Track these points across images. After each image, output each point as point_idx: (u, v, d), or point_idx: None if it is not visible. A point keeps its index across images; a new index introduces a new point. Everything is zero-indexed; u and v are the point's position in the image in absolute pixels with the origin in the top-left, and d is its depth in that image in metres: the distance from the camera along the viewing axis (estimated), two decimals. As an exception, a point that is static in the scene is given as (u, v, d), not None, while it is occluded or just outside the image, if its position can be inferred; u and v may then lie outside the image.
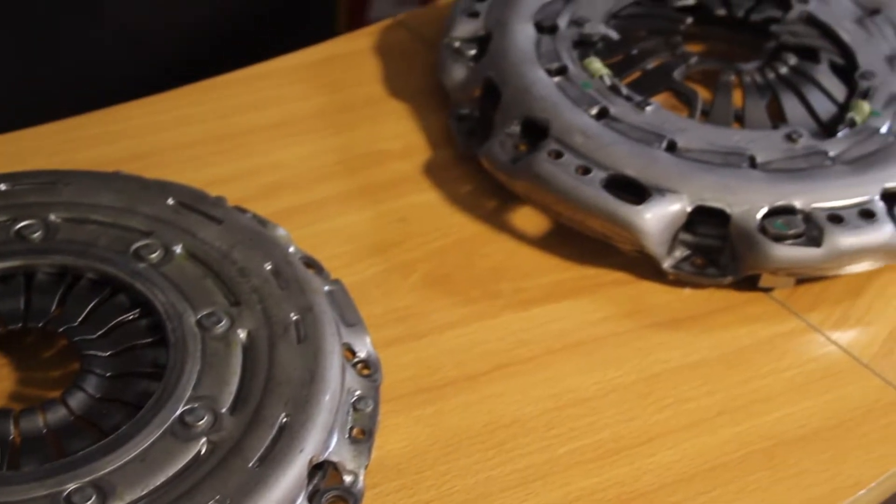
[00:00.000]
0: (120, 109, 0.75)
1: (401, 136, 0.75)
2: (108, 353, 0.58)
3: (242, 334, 0.58)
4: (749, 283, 0.68)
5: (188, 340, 0.57)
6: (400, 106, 0.77)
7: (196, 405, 0.55)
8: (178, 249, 0.61)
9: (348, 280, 0.64)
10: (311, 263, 0.64)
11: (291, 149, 0.73)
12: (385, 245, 0.69)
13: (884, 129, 0.73)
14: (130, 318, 0.59)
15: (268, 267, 0.61)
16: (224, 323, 0.58)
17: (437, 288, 0.67)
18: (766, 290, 0.69)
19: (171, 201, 0.63)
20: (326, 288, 0.62)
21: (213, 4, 1.34)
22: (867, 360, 0.66)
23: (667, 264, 0.67)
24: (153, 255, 0.61)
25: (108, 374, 0.57)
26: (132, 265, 0.60)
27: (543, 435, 0.60)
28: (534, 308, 0.66)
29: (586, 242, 0.69)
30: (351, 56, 0.80)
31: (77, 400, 0.56)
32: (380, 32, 0.82)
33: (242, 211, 0.65)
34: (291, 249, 0.63)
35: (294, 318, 0.59)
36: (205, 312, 0.58)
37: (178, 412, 0.54)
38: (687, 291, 0.68)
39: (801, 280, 0.69)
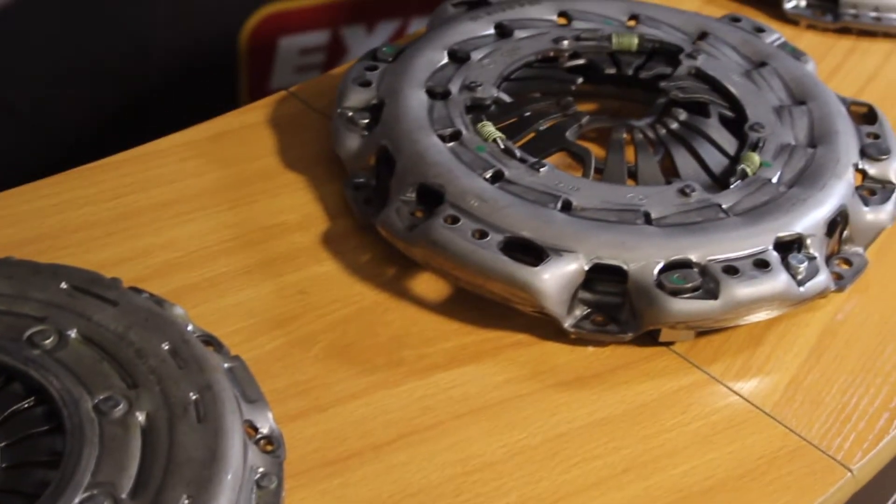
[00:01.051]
0: (8, 195, 0.74)
1: (298, 207, 0.75)
2: (2, 444, 0.56)
3: (141, 417, 0.57)
4: (650, 338, 0.69)
5: (85, 426, 0.56)
6: (296, 178, 0.77)
7: (95, 492, 0.54)
8: (73, 334, 0.60)
9: (249, 355, 0.63)
10: (210, 341, 0.63)
11: (187, 226, 0.73)
12: (285, 318, 0.68)
13: (774, 180, 0.74)
14: (25, 406, 0.58)
15: (165, 347, 0.60)
16: (122, 406, 0.57)
17: (339, 359, 0.66)
18: (668, 344, 0.69)
19: (64, 285, 0.63)
20: (226, 365, 0.62)
21: (109, 83, 1.33)
22: (769, 409, 0.66)
23: (567, 324, 0.68)
24: (47, 341, 0.60)
25: (3, 465, 0.56)
26: (26, 352, 0.59)
27: (451, 502, 0.60)
28: (437, 374, 0.66)
29: (487, 305, 0.69)
30: (244, 130, 0.80)
31: (-28, 493, 0.54)
32: (273, 105, 0.82)
33: (138, 291, 0.64)
34: (189, 328, 0.63)
35: (193, 397, 0.58)
36: (102, 397, 0.57)
37: (77, 500, 0.53)
38: (589, 349, 0.69)
39: (702, 332, 0.69)
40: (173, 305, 0.64)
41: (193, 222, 0.73)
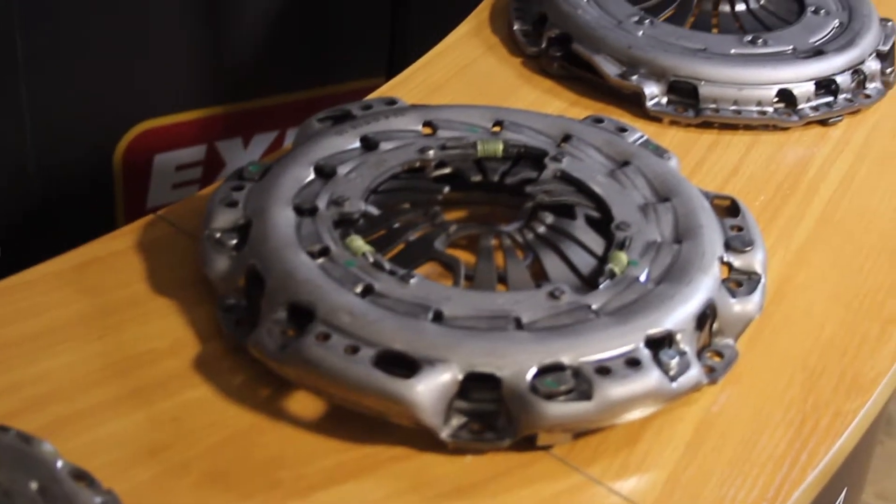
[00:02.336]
0: None
1: (168, 333, 0.74)
2: None
3: (9, 561, 0.56)
4: (528, 443, 0.69)
5: (-50, 575, 0.55)
6: (166, 302, 0.76)
7: None
8: (-64, 479, 0.59)
9: (122, 487, 0.62)
10: (81, 476, 0.62)
11: (55, 358, 0.72)
12: (159, 447, 0.67)
13: (642, 278, 0.75)
14: None
15: (34, 486, 0.59)
16: (-12, 551, 0.56)
17: (216, 485, 0.65)
18: (546, 447, 0.69)
19: (-75, 428, 0.61)
20: (98, 500, 0.60)
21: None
22: (649, 507, 0.67)
23: (444, 434, 0.68)
24: None
25: None
26: None
27: None
28: (316, 494, 0.65)
29: (364, 420, 0.69)
30: (113, 257, 0.79)
31: None
32: (141, 229, 0.82)
33: (4, 429, 0.62)
34: (59, 464, 0.61)
35: (64, 536, 0.57)
36: (-33, 542, 0.56)
37: None
38: (468, 459, 0.68)
39: (579, 434, 0.70)
40: (42, 442, 0.62)
41: (62, 354, 0.72)
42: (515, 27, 1.08)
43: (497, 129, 0.87)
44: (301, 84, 1.84)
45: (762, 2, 1.10)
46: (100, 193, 1.76)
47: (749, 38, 1.03)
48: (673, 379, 0.70)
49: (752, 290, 0.77)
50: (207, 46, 1.74)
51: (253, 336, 0.71)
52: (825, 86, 1.01)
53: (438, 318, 0.70)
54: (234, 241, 0.76)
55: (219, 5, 1.73)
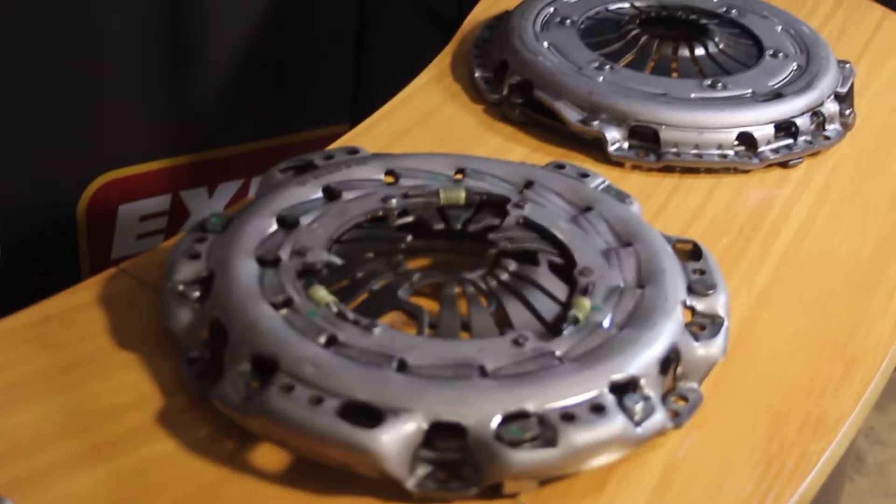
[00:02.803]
0: None
1: (131, 387, 0.74)
2: None
3: None
4: (494, 492, 0.68)
5: None
6: (128, 356, 0.76)
7: None
8: None
9: (86, 546, 0.62)
10: (43, 534, 0.61)
11: (15, 415, 0.71)
12: (122, 503, 0.67)
13: (606, 323, 0.75)
14: None
15: (-6, 545, 0.58)
16: None
17: (180, 540, 0.65)
18: (513, 495, 0.69)
19: None
20: (61, 558, 0.60)
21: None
22: (617, 554, 0.66)
23: (410, 484, 0.67)
24: None
25: None
26: None
27: None
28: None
29: (330, 471, 0.68)
30: (74, 311, 0.79)
31: None
32: (103, 283, 0.81)
33: (-35, 488, 0.62)
34: (21, 522, 0.61)
35: None
36: None
37: None
38: (434, 508, 0.68)
39: (545, 481, 0.70)
40: (3, 499, 0.62)
41: (23, 411, 0.71)
42: (477, 74, 1.08)
43: (459, 176, 0.88)
44: (265, 132, 1.85)
45: (721, 46, 1.11)
46: (64, 245, 1.75)
47: (709, 81, 1.04)
48: (638, 424, 0.70)
49: (715, 334, 0.77)
50: (170, 96, 1.74)
51: (217, 388, 0.70)
52: (785, 128, 1.02)
53: (403, 367, 0.70)
54: (197, 294, 0.76)
55: (182, 55, 1.73)
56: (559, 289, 0.79)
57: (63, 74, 1.63)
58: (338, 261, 0.79)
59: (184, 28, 1.71)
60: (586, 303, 0.76)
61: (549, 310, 0.77)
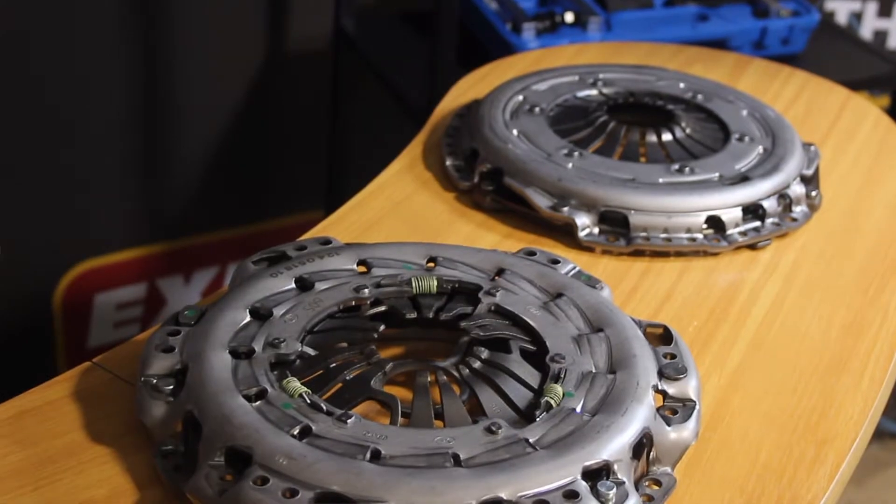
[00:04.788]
0: None
1: (105, 481, 0.74)
2: None
3: None
4: (470, 581, 0.69)
5: None
6: (102, 451, 0.76)
7: None
8: None
9: None
10: None
11: (-12, 513, 0.71)
12: None
13: (578, 409, 0.76)
14: None
15: None
16: None
17: None
18: (487, 585, 0.69)
19: None
20: None
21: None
22: None
23: (385, 576, 0.67)
24: None
25: None
26: None
27: None
28: None
29: (305, 564, 0.68)
30: (47, 406, 0.79)
31: None
32: (77, 377, 0.81)
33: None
34: None
35: None
36: None
37: None
38: None
39: (520, 570, 0.70)
40: None
41: (-4, 508, 0.71)
42: (448, 162, 1.09)
43: (431, 265, 0.89)
44: (241, 220, 1.86)
45: (688, 131, 1.12)
46: (39, 335, 1.75)
47: (676, 166, 1.06)
48: (611, 510, 0.70)
49: (687, 417, 0.78)
50: (146, 185, 1.75)
51: (191, 482, 0.71)
52: (752, 211, 1.03)
53: (376, 457, 0.70)
54: (171, 387, 0.76)
55: (157, 144, 1.75)
56: (531, 375, 0.79)
57: (38, 163, 1.64)
58: (311, 351, 0.79)
59: (158, 118, 1.72)
60: (558, 389, 0.77)
61: (521, 397, 0.78)
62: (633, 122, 1.14)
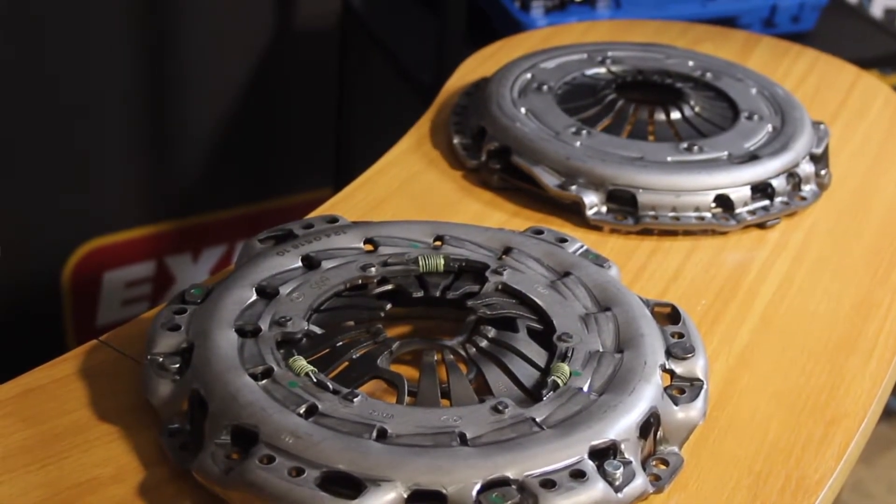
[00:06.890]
0: None
1: (112, 460, 0.74)
2: None
3: None
4: (476, 560, 0.68)
5: None
6: (109, 429, 0.76)
7: None
8: None
9: None
10: None
11: (-5, 491, 0.71)
12: (101, 578, 0.67)
13: (585, 388, 0.75)
14: None
15: None
16: None
17: None
18: (493, 563, 0.69)
19: None
20: None
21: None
22: None
23: (397, 553, 0.67)
24: None
25: None
26: None
27: None
28: None
29: (311, 542, 0.68)
30: (54, 384, 0.79)
31: None
32: (84, 355, 0.81)
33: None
34: None
35: None
36: None
37: None
38: (416, 578, 0.68)
39: (527, 549, 0.70)
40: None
41: (2, 486, 0.71)
42: (455, 141, 1.09)
43: (438, 243, 0.88)
44: (249, 198, 1.86)
45: (697, 109, 1.12)
46: (48, 314, 1.75)
47: (685, 145, 1.05)
48: (618, 490, 0.70)
49: (694, 397, 0.78)
50: (154, 163, 1.75)
51: (197, 461, 0.71)
52: (761, 190, 1.03)
53: (382, 435, 0.70)
54: (177, 365, 0.76)
55: (165, 122, 1.74)
56: (538, 355, 0.79)
57: (47, 142, 1.64)
58: (317, 330, 0.79)
59: (167, 96, 1.72)
60: (565, 368, 0.77)
61: (528, 376, 0.77)
62: (641, 100, 1.13)
